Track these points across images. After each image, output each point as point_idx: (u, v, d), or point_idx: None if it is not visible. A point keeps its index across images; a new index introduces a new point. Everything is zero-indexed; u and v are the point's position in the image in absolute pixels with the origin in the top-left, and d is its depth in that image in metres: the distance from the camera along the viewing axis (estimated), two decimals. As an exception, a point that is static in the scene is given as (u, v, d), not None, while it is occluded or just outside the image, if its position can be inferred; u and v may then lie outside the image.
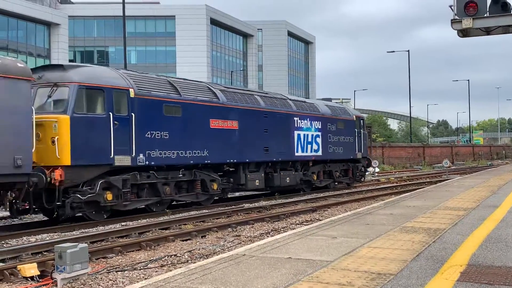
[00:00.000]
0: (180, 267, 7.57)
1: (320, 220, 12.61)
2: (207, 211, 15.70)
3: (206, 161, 16.57)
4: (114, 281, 7.78)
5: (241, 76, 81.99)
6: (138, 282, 7.07)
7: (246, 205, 17.13)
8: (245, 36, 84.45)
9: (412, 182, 28.51)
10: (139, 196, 14.76)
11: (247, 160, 18.41)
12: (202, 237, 11.71)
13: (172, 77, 18.07)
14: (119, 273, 8.26)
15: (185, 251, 9.99)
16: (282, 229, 12.66)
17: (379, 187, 24.92)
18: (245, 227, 12.97)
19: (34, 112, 11.97)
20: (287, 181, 20.43)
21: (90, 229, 12.61)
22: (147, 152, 14.49)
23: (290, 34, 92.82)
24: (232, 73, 75.88)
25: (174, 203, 16.86)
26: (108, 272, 8.26)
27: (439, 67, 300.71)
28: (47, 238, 11.16)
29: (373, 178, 32.12)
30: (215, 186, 17.17)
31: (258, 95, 20.01)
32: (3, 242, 10.87)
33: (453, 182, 22.12)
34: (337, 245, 7.56)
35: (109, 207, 13.84)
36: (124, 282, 7.76)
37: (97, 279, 7.85)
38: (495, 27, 11.50)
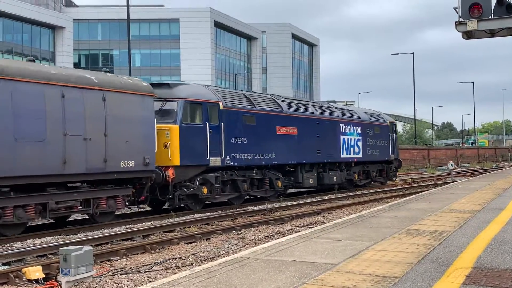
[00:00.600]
0: (185, 270, 7.55)
1: (325, 223, 12.59)
2: (211, 213, 15.76)
3: (273, 162, 19.26)
4: (118, 284, 7.78)
5: (246, 79, 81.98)
6: (142, 285, 7.08)
7: (251, 208, 17.20)
8: (249, 38, 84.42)
9: (417, 185, 28.44)
10: (223, 191, 17.34)
11: (304, 161, 21.04)
12: (206, 240, 11.71)
13: (244, 91, 21.70)
14: (123, 276, 8.27)
15: (189, 254, 9.98)
16: (286, 231, 12.64)
17: (383, 189, 24.93)
18: (249, 230, 12.97)
19: (155, 122, 14.59)
20: (334, 179, 22.98)
21: (94, 231, 12.64)
22: (232, 154, 17.26)
23: (294, 36, 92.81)
24: (237, 76, 75.95)
25: (247, 197, 19.27)
26: (112, 275, 8.28)
27: (443, 69, 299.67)
28: (52, 241, 11.18)
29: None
30: (279, 184, 19.70)
31: (311, 105, 22.89)
32: (8, 244, 10.91)
33: (458, 184, 22.09)
34: (342, 248, 7.55)
35: (204, 199, 16.56)
36: (128, 285, 7.76)
37: (102, 282, 7.86)
38: (500, 29, 11.46)
